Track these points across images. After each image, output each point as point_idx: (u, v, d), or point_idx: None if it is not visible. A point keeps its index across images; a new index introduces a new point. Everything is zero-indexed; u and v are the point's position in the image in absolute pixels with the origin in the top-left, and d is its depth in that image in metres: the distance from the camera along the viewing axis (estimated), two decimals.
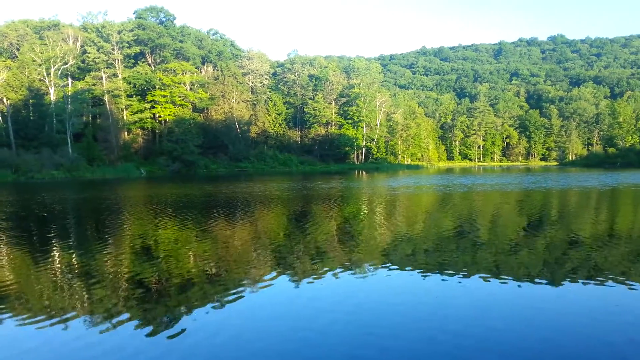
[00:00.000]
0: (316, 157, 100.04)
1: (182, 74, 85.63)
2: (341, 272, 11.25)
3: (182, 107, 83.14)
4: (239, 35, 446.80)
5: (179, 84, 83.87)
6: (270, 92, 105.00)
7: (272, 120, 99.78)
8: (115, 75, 79.75)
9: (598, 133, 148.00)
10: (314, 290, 9.83)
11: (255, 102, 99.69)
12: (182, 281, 10.40)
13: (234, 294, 9.49)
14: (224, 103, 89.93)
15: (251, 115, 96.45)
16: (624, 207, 27.18)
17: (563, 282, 10.34)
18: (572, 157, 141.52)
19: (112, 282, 10.35)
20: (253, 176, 61.78)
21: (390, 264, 11.98)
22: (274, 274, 11.10)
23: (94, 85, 78.38)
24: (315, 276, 10.84)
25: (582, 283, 10.27)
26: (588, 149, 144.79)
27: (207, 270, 11.41)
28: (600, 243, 14.96)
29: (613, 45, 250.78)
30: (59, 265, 12.08)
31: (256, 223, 19.72)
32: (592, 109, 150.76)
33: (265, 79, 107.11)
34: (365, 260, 12.51)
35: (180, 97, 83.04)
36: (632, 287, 9.94)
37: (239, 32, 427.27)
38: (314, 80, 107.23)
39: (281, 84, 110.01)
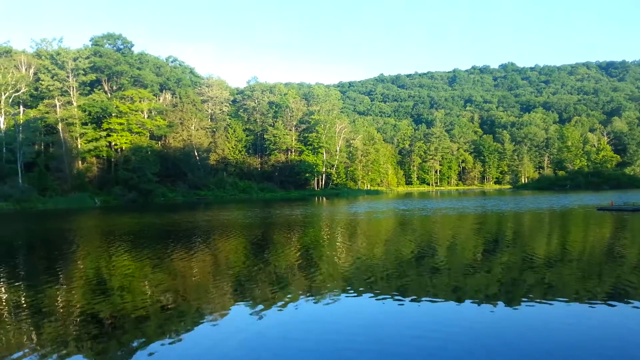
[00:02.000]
0: (276, 184, 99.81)
1: (140, 102, 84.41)
2: (303, 299, 11.19)
3: (139, 135, 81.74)
4: (198, 63, 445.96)
5: (136, 111, 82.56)
6: (229, 119, 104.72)
7: (232, 147, 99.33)
8: (69, 102, 77.75)
9: (548, 157, 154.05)
10: (276, 318, 9.74)
11: (214, 129, 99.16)
12: (138, 314, 10.10)
13: (192, 325, 9.29)
14: (183, 130, 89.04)
15: (210, 142, 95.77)
16: (574, 228, 28.26)
17: (519, 303, 10.62)
18: (524, 180, 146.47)
19: (63, 318, 9.94)
20: (212, 204, 61.00)
21: (351, 290, 12.01)
22: (234, 303, 10.94)
23: (47, 113, 76.09)
24: (277, 304, 10.75)
25: (538, 303, 10.58)
26: (539, 172, 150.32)
27: (164, 302, 11.13)
28: (553, 264, 15.47)
29: (560, 73, 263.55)
30: (5, 301, 11.53)
31: (215, 252, 19.43)
32: (542, 133, 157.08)
33: (225, 106, 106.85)
34: (327, 287, 12.49)
35: (137, 124, 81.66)
36: (586, 305, 10.31)
37: (198, 59, 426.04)
38: (274, 107, 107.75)
39: (241, 110, 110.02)
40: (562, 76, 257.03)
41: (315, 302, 10.94)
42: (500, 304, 10.60)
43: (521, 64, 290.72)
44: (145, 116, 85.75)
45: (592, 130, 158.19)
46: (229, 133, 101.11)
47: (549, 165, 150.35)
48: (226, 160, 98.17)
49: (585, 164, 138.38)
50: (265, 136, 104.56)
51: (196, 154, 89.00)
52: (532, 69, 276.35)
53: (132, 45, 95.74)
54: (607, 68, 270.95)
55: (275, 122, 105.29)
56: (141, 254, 18.67)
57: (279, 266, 15.67)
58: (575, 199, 56.95)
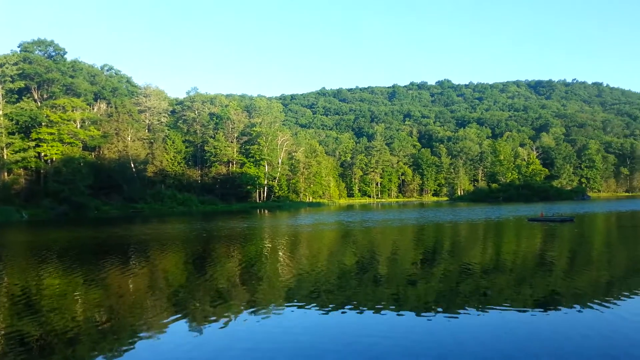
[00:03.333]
0: (217, 197, 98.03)
1: (72, 111, 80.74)
2: (245, 313, 10.98)
3: (72, 146, 78.03)
4: (136, 72, 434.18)
5: (68, 121, 78.87)
6: (168, 130, 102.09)
7: (171, 159, 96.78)
8: None
9: (482, 170, 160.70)
10: (216, 334, 9.48)
11: (152, 140, 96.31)
12: (70, 335, 9.53)
13: (128, 344, 8.87)
14: (119, 141, 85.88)
15: (148, 153, 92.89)
16: (507, 239, 29.51)
17: (457, 311, 10.90)
18: (460, 193, 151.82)
19: None
20: (150, 217, 58.98)
21: (294, 303, 11.91)
22: (172, 320, 10.56)
23: None
24: (217, 320, 10.47)
25: (474, 310, 10.90)
26: (474, 185, 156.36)
27: (98, 321, 10.58)
28: (488, 272, 16.05)
29: (493, 90, 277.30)
30: None
31: (153, 267, 18.76)
32: (476, 147, 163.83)
33: (164, 116, 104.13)
34: (270, 300, 12.33)
35: (69, 134, 77.96)
36: (519, 312, 10.72)
37: (136, 68, 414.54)
38: (214, 118, 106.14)
39: (180, 121, 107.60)
40: (495, 93, 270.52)
41: (257, 316, 10.76)
42: (439, 312, 10.84)
43: (456, 81, 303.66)
44: (78, 126, 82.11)
45: (522, 145, 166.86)
46: (167, 144, 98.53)
47: (483, 178, 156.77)
48: (164, 172, 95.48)
49: (517, 177, 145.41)
50: (205, 148, 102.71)
51: (132, 165, 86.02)
52: (466, 86, 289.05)
53: (65, 53, 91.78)
54: (536, 87, 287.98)
55: (216, 133, 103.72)
56: (73, 271, 17.72)
57: (219, 281, 15.33)
58: (507, 211, 59.59)
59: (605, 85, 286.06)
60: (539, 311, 10.80)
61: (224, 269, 17.88)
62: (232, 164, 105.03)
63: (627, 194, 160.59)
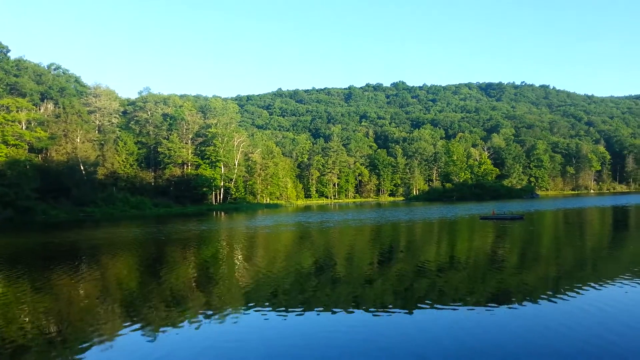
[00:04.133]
0: (172, 199, 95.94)
1: (17, 111, 77.33)
2: (201, 317, 10.77)
3: (17, 148, 74.67)
4: (85, 71, 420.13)
5: (12, 122, 75.49)
6: (120, 131, 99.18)
7: (123, 160, 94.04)
8: None
9: (437, 170, 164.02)
10: (171, 339, 9.24)
11: (103, 142, 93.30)
12: (16, 345, 9.07)
13: (78, 352, 8.52)
14: (67, 143, 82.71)
15: (98, 155, 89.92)
16: (461, 237, 30.23)
17: (413, 309, 11.06)
18: (416, 192, 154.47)
19: None
20: (101, 221, 57.10)
21: (252, 306, 11.77)
22: (125, 326, 10.23)
23: None
24: (172, 325, 10.22)
25: (430, 308, 11.09)
26: (429, 185, 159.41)
27: (47, 330, 10.13)
28: (443, 270, 16.37)
29: (446, 92, 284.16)
30: None
31: (104, 272, 18.15)
32: (430, 148, 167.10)
33: (115, 117, 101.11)
34: (227, 304, 12.15)
35: (14, 136, 74.60)
36: (473, 308, 10.98)
37: (85, 67, 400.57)
38: (168, 119, 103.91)
39: (132, 122, 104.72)
40: (448, 95, 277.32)
41: (214, 320, 10.57)
42: (396, 310, 10.97)
43: (411, 83, 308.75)
44: (24, 127, 78.71)
45: (474, 145, 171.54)
46: (119, 146, 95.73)
47: (438, 178, 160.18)
48: (116, 175, 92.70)
49: (469, 176, 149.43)
50: (159, 149, 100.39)
51: (82, 168, 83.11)
52: (420, 87, 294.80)
53: (8, 51, 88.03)
54: (487, 89, 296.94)
55: (170, 135, 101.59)
56: (20, 279, 16.93)
57: (175, 285, 14.98)
58: (461, 210, 61.09)
59: (552, 87, 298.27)
60: (492, 306, 11.11)
61: (179, 272, 17.50)
62: (187, 166, 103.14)
63: (573, 192, 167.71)
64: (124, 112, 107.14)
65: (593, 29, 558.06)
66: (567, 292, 12.37)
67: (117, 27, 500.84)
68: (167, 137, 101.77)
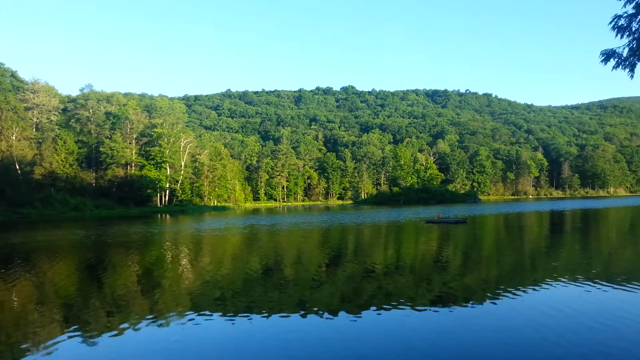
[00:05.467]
0: (114, 201, 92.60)
1: None
2: (144, 323, 10.38)
3: None
4: (22, 66, 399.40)
5: None
6: (59, 129, 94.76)
7: (62, 160, 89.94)
8: None
9: (384, 174, 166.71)
10: (112, 345, 8.85)
11: (41, 140, 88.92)
12: None
13: None
14: (1, 141, 78.36)
15: (35, 154, 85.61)
16: (407, 240, 30.79)
17: (360, 310, 11.11)
18: (364, 196, 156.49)
19: None
20: (37, 223, 54.29)
21: (198, 310, 11.48)
22: (63, 333, 9.72)
23: None
24: (113, 331, 9.80)
25: (376, 310, 11.18)
26: (377, 189, 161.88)
27: None
28: (390, 273, 16.57)
29: (394, 98, 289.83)
30: None
31: (40, 277, 17.22)
32: (379, 152, 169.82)
33: (54, 114, 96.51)
34: (171, 309, 11.79)
35: None
36: (419, 311, 11.15)
37: (22, 62, 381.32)
38: (111, 118, 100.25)
39: (73, 120, 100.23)
40: (396, 101, 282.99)
41: (157, 325, 10.23)
42: (342, 313, 11.00)
43: (360, 87, 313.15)
44: None
45: (421, 150, 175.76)
46: (58, 145, 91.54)
47: (385, 182, 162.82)
48: (55, 175, 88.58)
49: (416, 181, 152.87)
50: (101, 149, 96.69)
51: (18, 167, 78.95)
52: (369, 92, 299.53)
53: None
54: (433, 96, 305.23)
55: (113, 134, 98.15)
56: None
57: (117, 289, 14.42)
58: (408, 213, 62.33)
59: (494, 96, 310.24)
60: (437, 307, 11.34)
61: (122, 276, 16.87)
62: (131, 167, 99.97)
63: (513, 197, 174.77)
64: (64, 110, 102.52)
65: (535, 39, 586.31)
66: (506, 294, 12.83)
67: (59, 21, 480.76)
68: (109, 136, 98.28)
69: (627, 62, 11.70)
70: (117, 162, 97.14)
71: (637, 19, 11.31)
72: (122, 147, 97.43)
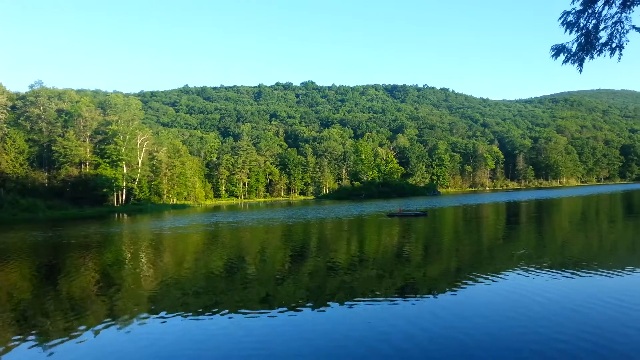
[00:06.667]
0: (68, 201, 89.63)
1: None
2: (102, 326, 10.09)
3: None
4: None
5: None
6: (8, 128, 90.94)
7: (12, 160, 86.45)
8: None
9: (346, 169, 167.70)
10: (69, 351, 8.55)
11: None
12: None
13: None
14: None
15: None
16: (369, 234, 31.08)
17: (325, 305, 11.14)
18: (326, 191, 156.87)
19: None
20: None
21: (159, 311, 11.24)
22: (16, 339, 9.32)
23: None
24: (70, 335, 9.48)
25: (339, 304, 11.23)
26: (339, 183, 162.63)
27: None
28: (353, 267, 16.69)
29: (354, 93, 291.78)
30: None
31: None
32: (339, 147, 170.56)
33: (2, 112, 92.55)
34: (131, 310, 11.50)
35: None
36: (383, 302, 11.27)
37: None
38: (63, 115, 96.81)
39: (22, 118, 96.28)
40: (356, 96, 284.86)
41: (117, 328, 9.96)
42: (307, 309, 10.99)
43: (320, 82, 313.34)
44: None
45: (381, 145, 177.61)
46: (7, 144, 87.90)
47: (347, 177, 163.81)
48: (4, 175, 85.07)
49: (377, 175, 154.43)
50: (53, 148, 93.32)
51: None
52: (329, 88, 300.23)
53: None
54: (392, 90, 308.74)
55: (66, 132, 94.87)
56: None
57: (73, 292, 13.96)
58: (369, 207, 62.92)
59: (451, 91, 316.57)
60: (400, 299, 11.48)
61: (77, 279, 16.34)
62: (85, 165, 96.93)
63: (471, 189, 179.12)
64: (13, 107, 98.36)
65: (490, 35, 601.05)
66: (468, 282, 13.11)
67: (4, 15, 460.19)
68: (62, 134, 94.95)
69: (576, 57, 12.10)
70: (71, 161, 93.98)
71: (585, 15, 11.70)
72: (76, 145, 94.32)
